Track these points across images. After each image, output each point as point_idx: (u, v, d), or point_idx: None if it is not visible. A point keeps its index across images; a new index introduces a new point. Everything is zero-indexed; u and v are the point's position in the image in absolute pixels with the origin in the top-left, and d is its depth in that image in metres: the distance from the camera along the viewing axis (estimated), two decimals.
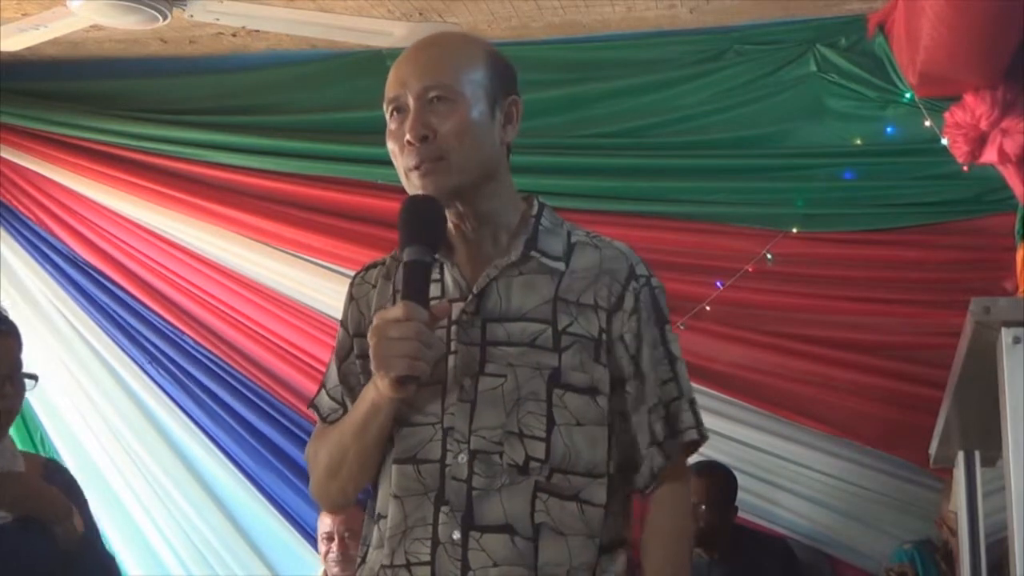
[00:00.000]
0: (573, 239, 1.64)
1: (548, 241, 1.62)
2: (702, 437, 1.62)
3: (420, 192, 1.56)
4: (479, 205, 1.60)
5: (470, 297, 1.57)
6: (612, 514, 1.57)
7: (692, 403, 1.62)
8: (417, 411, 1.55)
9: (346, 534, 3.55)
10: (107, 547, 2.45)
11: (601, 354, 1.56)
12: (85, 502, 2.40)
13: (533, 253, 1.59)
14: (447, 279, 1.61)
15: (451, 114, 1.55)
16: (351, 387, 1.66)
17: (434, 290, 1.56)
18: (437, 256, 1.56)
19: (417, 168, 1.55)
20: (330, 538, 3.59)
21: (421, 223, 1.54)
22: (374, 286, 1.68)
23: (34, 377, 2.32)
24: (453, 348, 1.55)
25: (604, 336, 1.57)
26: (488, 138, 1.59)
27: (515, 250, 1.59)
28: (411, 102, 1.56)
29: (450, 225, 1.61)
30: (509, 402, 1.52)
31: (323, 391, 1.70)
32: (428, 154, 1.54)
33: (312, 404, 1.72)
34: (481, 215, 1.61)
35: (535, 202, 1.67)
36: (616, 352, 1.58)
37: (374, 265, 1.72)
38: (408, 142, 1.54)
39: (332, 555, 3.58)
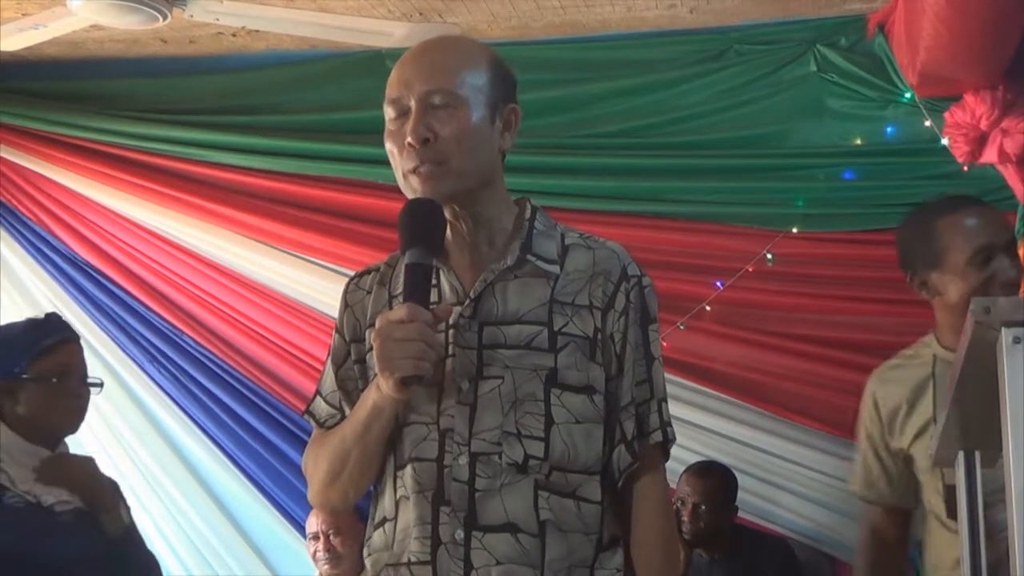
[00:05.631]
0: (567, 241, 1.65)
1: (542, 244, 1.63)
2: (667, 438, 1.62)
3: (418, 195, 1.56)
4: (475, 210, 1.60)
5: (467, 301, 1.58)
6: (609, 511, 1.58)
7: (661, 404, 1.63)
8: (411, 411, 1.56)
9: (330, 532, 3.59)
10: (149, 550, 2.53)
11: (596, 353, 1.58)
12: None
13: (528, 257, 1.60)
14: (443, 284, 1.61)
15: (452, 118, 1.55)
16: (349, 392, 1.66)
17: (431, 296, 1.56)
18: (435, 261, 1.57)
19: (416, 171, 1.55)
20: (316, 537, 3.63)
21: (422, 226, 1.55)
22: (369, 292, 1.68)
23: (99, 384, 2.49)
24: (450, 352, 1.55)
25: (599, 335, 1.58)
26: (487, 144, 1.59)
27: (511, 254, 1.60)
28: (413, 104, 1.56)
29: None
30: (507, 403, 1.53)
31: (319, 397, 1.70)
32: (428, 157, 1.54)
33: (308, 411, 1.71)
34: (476, 219, 1.61)
35: (528, 205, 1.67)
36: (607, 351, 1.59)
37: (367, 271, 1.72)
38: (409, 144, 1.55)
39: (320, 553, 3.62)
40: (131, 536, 2.41)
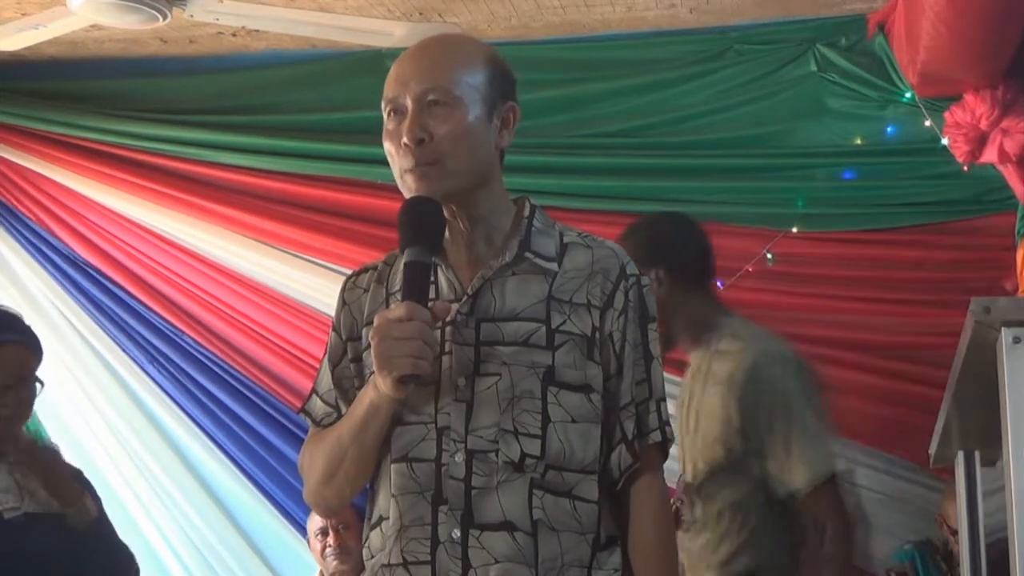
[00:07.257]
0: (565, 239, 1.65)
1: (541, 242, 1.63)
2: (665, 438, 1.62)
3: (415, 194, 1.56)
4: (472, 208, 1.61)
5: (465, 298, 1.58)
6: (607, 510, 1.58)
7: (660, 404, 1.63)
8: (410, 410, 1.56)
9: (340, 527, 3.59)
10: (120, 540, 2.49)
11: (594, 352, 1.58)
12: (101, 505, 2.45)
13: (527, 254, 1.60)
14: (441, 281, 1.61)
15: (448, 118, 1.55)
16: (345, 391, 1.66)
17: (429, 292, 1.56)
18: (433, 259, 1.57)
19: (412, 170, 1.55)
20: (324, 533, 3.63)
21: (421, 224, 1.55)
22: (366, 290, 1.68)
23: (39, 382, 2.35)
24: (447, 348, 1.55)
25: (597, 334, 1.58)
26: (483, 143, 1.59)
27: (509, 251, 1.60)
28: (409, 104, 1.56)
29: None
30: (504, 401, 1.53)
31: (315, 395, 1.70)
32: (424, 157, 1.54)
33: (304, 409, 1.71)
34: (474, 218, 1.61)
35: (527, 204, 1.67)
36: (605, 350, 1.59)
37: (365, 270, 1.73)
38: (404, 144, 1.55)
39: (330, 549, 3.61)
40: (99, 528, 2.37)
